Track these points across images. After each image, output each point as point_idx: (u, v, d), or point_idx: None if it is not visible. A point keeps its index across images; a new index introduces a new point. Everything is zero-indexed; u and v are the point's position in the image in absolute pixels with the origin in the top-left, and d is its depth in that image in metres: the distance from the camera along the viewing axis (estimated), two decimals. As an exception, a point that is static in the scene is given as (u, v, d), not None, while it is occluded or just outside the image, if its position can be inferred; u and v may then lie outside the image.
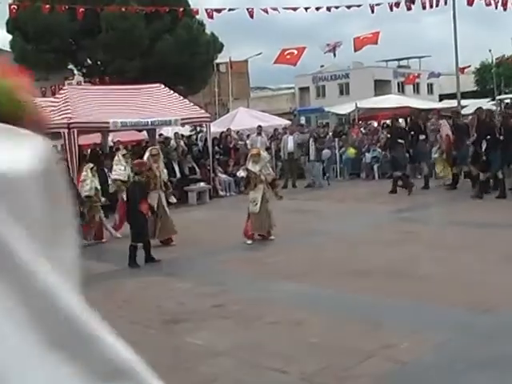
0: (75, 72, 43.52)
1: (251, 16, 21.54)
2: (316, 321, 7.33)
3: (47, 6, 24.07)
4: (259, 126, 25.56)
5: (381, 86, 59.79)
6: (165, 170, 14.20)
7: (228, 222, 15.08)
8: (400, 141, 19.81)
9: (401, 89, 62.09)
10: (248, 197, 13.35)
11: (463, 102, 31.16)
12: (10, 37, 40.57)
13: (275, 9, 21.73)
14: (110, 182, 19.44)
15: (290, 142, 24.45)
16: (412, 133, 20.26)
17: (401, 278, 9.09)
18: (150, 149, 14.32)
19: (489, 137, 17.14)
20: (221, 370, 6.03)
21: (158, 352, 6.66)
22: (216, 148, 24.09)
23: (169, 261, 11.64)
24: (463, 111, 26.78)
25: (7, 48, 41.21)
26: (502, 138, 17.04)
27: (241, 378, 5.79)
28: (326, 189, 22.22)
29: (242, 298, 8.64)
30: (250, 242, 12.94)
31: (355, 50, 26.26)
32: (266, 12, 21.35)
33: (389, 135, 21.67)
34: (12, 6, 22.25)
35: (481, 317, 7.15)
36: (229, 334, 7.08)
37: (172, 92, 23.33)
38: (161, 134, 26.51)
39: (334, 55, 24.41)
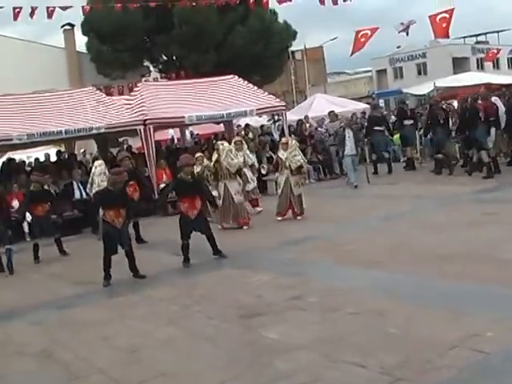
0: (151, 69, 43.94)
1: (322, 3, 21.03)
2: (397, 310, 7.05)
3: (119, 5, 24.21)
4: (331, 112, 25.02)
5: (459, 64, 58.40)
6: (243, 159, 15.51)
7: (309, 210, 14.85)
8: (377, 128, 21.63)
9: (480, 65, 60.45)
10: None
11: (547, 75, 29.99)
12: (85, 39, 41.31)
13: (345, -2, 21.03)
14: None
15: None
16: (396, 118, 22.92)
17: (485, 263, 8.66)
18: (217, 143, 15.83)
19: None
20: (297, 365, 5.83)
21: (234, 347, 6.56)
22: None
23: (247, 252, 11.56)
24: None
25: (84, 50, 42.04)
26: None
27: (317, 373, 5.58)
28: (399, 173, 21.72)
29: (321, 289, 8.43)
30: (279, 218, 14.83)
31: (435, 36, 25.34)
32: (336, 3, 20.72)
33: (366, 123, 23.26)
34: (85, 7, 22.43)
35: None
36: (306, 327, 6.88)
37: (246, 82, 23.21)
38: (239, 125, 26.52)
39: (407, 34, 23.57)
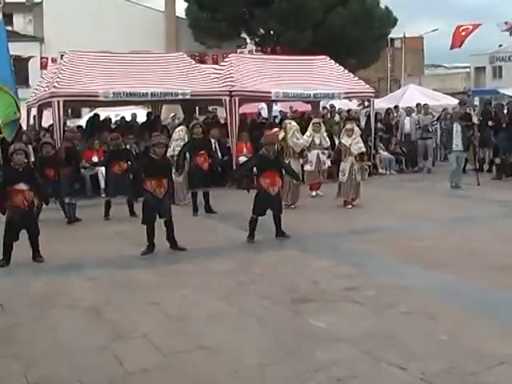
0: (248, 41, 43.99)
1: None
2: (451, 316, 6.81)
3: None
4: (418, 105, 24.25)
5: None
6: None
7: (382, 201, 14.71)
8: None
9: None
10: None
11: None
12: (185, 4, 41.69)
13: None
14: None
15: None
16: (481, 118, 22.03)
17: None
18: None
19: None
20: (338, 357, 5.70)
21: (280, 331, 6.48)
22: (379, 124, 23.37)
23: (310, 236, 11.43)
24: None
25: (183, 15, 42.46)
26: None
27: (356, 369, 5.43)
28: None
29: (378, 283, 8.24)
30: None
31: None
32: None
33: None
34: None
35: None
36: (355, 321, 6.73)
37: (337, 65, 22.85)
38: (325, 107, 26.27)
39: (511, 34, 22.94)
